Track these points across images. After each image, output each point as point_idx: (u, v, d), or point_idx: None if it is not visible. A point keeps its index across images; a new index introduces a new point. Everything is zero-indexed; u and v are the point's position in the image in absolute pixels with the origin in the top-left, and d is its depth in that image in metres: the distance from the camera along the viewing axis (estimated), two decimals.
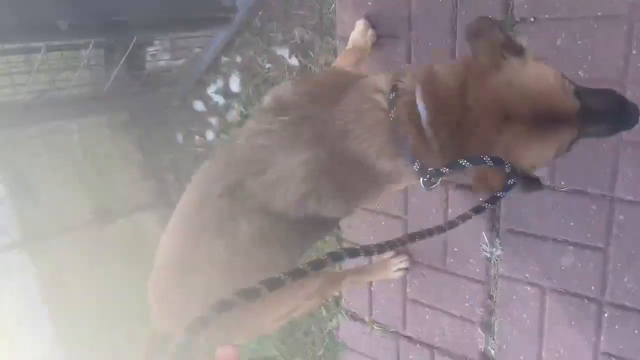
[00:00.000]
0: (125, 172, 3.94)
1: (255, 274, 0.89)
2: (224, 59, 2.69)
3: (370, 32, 1.99)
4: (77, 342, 6.18)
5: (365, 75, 1.41)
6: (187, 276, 1.40)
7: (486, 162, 1.13)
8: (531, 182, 1.20)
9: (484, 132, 1.15)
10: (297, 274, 0.81)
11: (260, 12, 2.40)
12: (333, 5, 2.17)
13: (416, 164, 1.23)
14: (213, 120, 3.00)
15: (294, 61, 2.40)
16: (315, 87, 1.40)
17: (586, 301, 1.82)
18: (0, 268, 5.60)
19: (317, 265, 0.85)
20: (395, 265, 2.17)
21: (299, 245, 1.46)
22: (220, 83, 2.83)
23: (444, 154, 1.22)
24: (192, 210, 1.43)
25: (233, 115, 2.84)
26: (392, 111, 1.24)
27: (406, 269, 2.20)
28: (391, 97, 1.25)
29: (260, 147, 1.32)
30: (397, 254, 2.21)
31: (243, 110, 2.76)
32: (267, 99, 1.40)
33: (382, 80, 1.32)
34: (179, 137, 3.26)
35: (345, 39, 2.10)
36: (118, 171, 4.05)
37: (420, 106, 1.20)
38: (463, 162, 1.15)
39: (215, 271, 1.38)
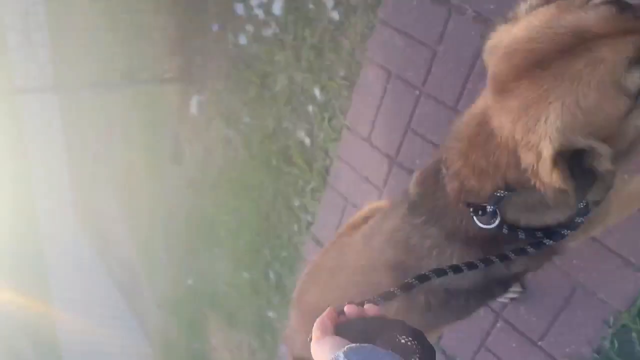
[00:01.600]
0: (155, 44, 4.29)
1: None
2: None
3: None
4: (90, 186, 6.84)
5: None
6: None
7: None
8: None
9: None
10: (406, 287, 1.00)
11: None
12: None
13: None
14: (249, 28, 3.22)
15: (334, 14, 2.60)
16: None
17: None
18: (32, 108, 6.15)
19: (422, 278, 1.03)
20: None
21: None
22: None
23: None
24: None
25: (268, 33, 3.08)
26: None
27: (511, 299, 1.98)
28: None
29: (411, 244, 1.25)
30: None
31: (278, 32, 2.98)
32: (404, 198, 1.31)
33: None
34: (214, 27, 3.55)
35: None
36: (149, 42, 4.39)
37: None
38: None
39: None
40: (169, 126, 4.33)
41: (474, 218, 1.07)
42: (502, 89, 0.89)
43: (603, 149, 0.85)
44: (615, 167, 0.89)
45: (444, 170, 1.13)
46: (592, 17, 0.81)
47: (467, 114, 1.08)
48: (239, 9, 3.23)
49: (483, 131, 0.99)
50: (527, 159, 0.90)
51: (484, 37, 1.01)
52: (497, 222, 1.05)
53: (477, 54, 1.96)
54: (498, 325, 2.13)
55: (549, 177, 0.86)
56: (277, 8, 2.95)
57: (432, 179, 1.18)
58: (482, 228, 1.07)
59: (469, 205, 1.06)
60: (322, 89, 2.78)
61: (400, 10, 2.25)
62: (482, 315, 2.11)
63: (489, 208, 1.04)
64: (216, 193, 3.96)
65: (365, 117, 2.53)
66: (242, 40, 3.29)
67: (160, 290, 5.60)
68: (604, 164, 0.86)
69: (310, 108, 2.89)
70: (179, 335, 5.39)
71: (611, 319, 1.78)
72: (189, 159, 4.18)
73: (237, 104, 3.47)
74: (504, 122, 0.92)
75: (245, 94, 3.37)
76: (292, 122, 3.04)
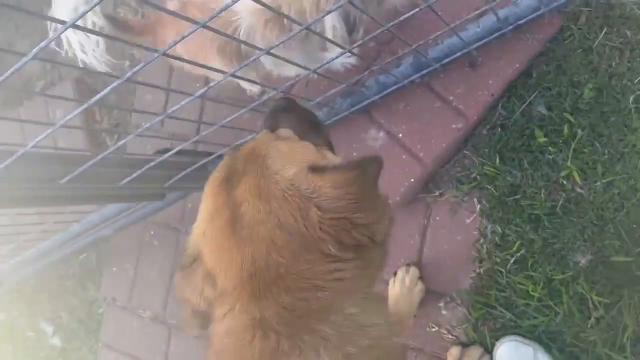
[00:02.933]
0: None
1: None
2: None
3: (419, 285, 1.60)
4: None
5: None
6: None
7: None
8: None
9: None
10: None
11: None
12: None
13: None
14: None
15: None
16: None
17: None
18: None
19: None
20: (414, 285, 1.61)
21: None
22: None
23: None
24: None
25: None
26: None
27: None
28: None
29: None
30: (463, 346, 1.58)
31: None
32: None
33: None
34: None
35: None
36: None
37: None
38: None
39: None
40: None
41: None
42: (232, 225, 0.72)
43: (338, 161, 0.87)
44: None
45: None
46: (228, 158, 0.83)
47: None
48: None
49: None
50: (292, 204, 0.71)
51: None
52: None
53: None
54: None
55: (323, 185, 0.71)
56: None
57: None
58: None
59: None
60: None
61: (123, 332, 2.17)
62: None
63: None
64: None
65: None
66: None
67: None
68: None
69: None
70: None
71: None
72: None
73: None
74: (256, 224, 0.71)
75: None
76: None
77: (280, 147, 0.79)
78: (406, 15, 1.03)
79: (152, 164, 1.40)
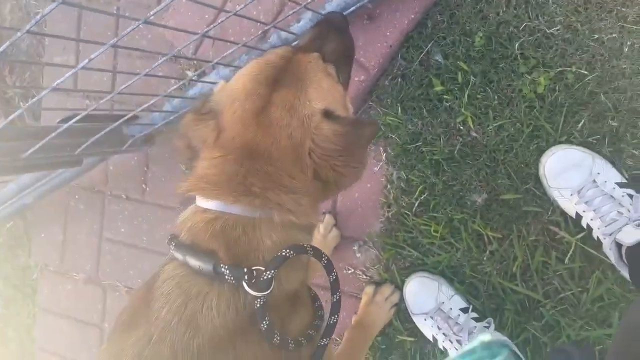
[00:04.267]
0: None
1: None
2: None
3: (334, 232, 1.73)
4: None
5: None
6: None
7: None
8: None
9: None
10: None
11: None
12: None
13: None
14: None
15: None
16: None
17: None
18: None
19: None
20: (388, 302, 1.67)
21: None
22: None
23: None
24: None
25: None
26: None
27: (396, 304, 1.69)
28: None
29: None
30: (377, 285, 1.69)
31: None
32: None
33: None
34: None
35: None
36: None
37: None
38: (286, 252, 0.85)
39: None
40: None
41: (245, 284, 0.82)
42: (258, 113, 0.90)
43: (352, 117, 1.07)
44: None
45: (171, 247, 0.89)
46: (283, 49, 1.02)
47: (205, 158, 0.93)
48: None
49: (247, 150, 0.89)
50: (304, 127, 0.90)
51: None
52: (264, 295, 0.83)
53: None
54: None
55: (325, 127, 0.90)
56: None
57: None
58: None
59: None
60: None
61: (58, 295, 2.21)
62: None
63: (267, 274, 0.82)
64: None
65: None
66: None
67: None
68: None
69: None
70: None
71: None
72: None
73: None
74: (276, 125, 0.89)
75: None
76: None
77: (323, 83, 0.96)
78: None
79: (54, 133, 1.40)
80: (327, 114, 0.92)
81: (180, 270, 0.86)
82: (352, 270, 1.72)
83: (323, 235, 1.70)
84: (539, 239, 1.50)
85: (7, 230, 2.31)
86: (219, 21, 1.22)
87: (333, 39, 1.09)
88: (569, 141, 1.45)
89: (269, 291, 0.82)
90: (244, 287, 0.82)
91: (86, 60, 1.07)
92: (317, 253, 0.92)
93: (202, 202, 0.89)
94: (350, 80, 1.56)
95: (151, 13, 1.01)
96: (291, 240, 0.89)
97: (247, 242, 0.85)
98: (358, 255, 1.72)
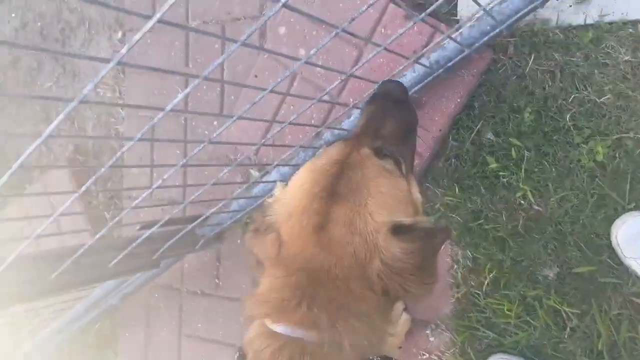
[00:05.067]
0: None
1: None
2: None
3: (404, 316, 1.67)
4: None
5: None
6: None
7: None
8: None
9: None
10: None
11: None
12: None
13: None
14: None
15: None
16: None
17: None
18: None
19: None
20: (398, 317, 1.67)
21: None
22: None
23: None
24: None
25: None
26: None
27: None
28: None
29: None
30: None
31: None
32: None
33: None
34: None
35: None
36: None
37: None
38: None
39: None
40: None
41: None
42: (317, 230, 0.86)
43: (420, 218, 0.93)
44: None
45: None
46: (336, 150, 0.96)
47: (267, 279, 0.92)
48: None
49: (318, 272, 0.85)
50: (369, 245, 0.85)
51: None
52: None
53: None
54: None
55: (394, 247, 0.84)
56: None
57: None
58: None
59: None
60: None
61: None
62: None
63: None
64: None
65: None
66: None
67: None
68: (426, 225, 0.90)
69: None
70: None
71: None
72: None
73: None
74: (337, 243, 0.85)
75: None
76: None
77: (382, 187, 0.90)
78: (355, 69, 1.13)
79: (135, 243, 1.52)
80: (395, 229, 0.84)
81: None
82: (427, 355, 1.69)
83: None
84: (622, 312, 1.42)
85: (95, 332, 2.44)
86: (276, 131, 1.32)
87: (391, 115, 1.01)
88: (638, 207, 1.40)
89: None
90: None
91: (159, 181, 1.19)
92: None
93: (269, 323, 0.87)
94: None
95: (215, 134, 1.12)
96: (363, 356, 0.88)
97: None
98: (431, 339, 1.68)
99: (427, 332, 1.69)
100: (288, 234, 0.89)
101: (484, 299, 1.58)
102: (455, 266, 1.64)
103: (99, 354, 2.46)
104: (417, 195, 0.99)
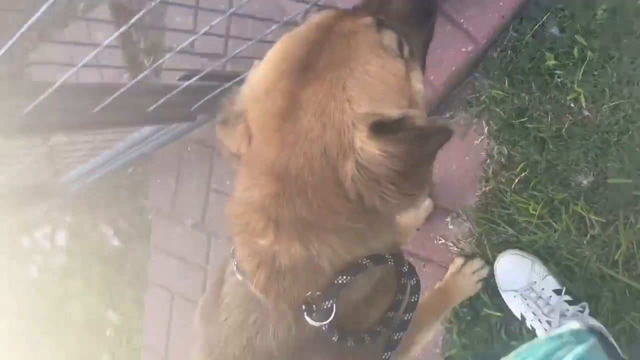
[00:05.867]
0: None
1: None
2: (55, 213, 2.98)
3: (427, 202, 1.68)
4: None
5: None
6: None
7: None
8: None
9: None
10: None
11: None
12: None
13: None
14: (37, 258, 3.18)
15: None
16: None
17: None
18: None
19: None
20: (475, 276, 1.64)
21: None
22: (47, 229, 3.08)
23: None
24: None
25: (57, 262, 3.10)
26: None
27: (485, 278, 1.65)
28: None
29: None
30: (467, 258, 1.67)
31: (65, 261, 3.02)
32: None
33: None
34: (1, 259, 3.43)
35: None
36: None
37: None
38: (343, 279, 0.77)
39: None
40: None
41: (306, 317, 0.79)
42: (283, 119, 0.70)
43: (414, 112, 0.74)
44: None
45: (233, 265, 0.86)
46: (323, 15, 0.77)
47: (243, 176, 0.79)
48: (25, 240, 3.20)
49: (281, 175, 0.71)
50: (342, 142, 0.69)
51: None
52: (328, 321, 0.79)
53: None
54: None
55: (372, 149, 0.67)
56: (61, 238, 2.99)
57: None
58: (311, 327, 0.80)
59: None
60: (116, 311, 2.78)
61: (169, 237, 2.44)
62: None
63: (327, 304, 0.78)
64: None
65: (159, 336, 2.56)
66: (33, 271, 3.22)
67: None
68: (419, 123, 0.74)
69: (108, 331, 2.84)
70: None
71: None
72: None
73: (38, 332, 3.28)
74: (305, 139, 0.69)
75: (43, 321, 3.22)
76: (95, 346, 2.95)
77: (371, 67, 0.71)
78: None
79: (175, 91, 1.53)
80: (376, 126, 0.68)
81: (241, 290, 0.86)
82: (443, 241, 1.74)
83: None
84: None
85: (129, 175, 2.56)
86: None
87: None
88: None
89: (329, 319, 0.78)
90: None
91: (207, 27, 1.16)
92: (398, 261, 0.86)
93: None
94: (455, 50, 1.55)
95: None
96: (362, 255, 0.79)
97: (303, 279, 0.78)
98: (450, 227, 1.73)
99: (447, 219, 1.72)
100: (254, 124, 0.75)
101: (511, 196, 1.59)
102: (489, 161, 1.63)
103: (130, 195, 2.60)
104: (418, 86, 0.78)
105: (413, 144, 0.68)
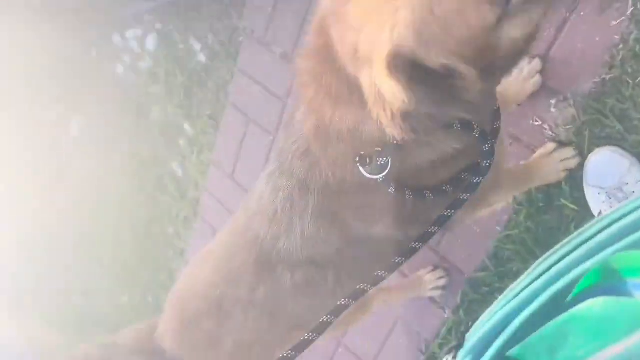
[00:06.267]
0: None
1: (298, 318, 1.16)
2: (148, 17, 2.99)
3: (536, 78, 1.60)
4: None
5: None
6: (222, 317, 1.30)
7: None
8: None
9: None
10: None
11: None
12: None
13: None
14: (126, 58, 3.27)
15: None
16: None
17: None
18: None
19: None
20: (431, 283, 1.86)
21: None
22: (139, 32, 3.12)
23: None
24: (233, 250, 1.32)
25: (143, 66, 3.17)
26: None
27: (444, 287, 1.87)
28: None
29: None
30: (434, 269, 1.89)
31: (152, 66, 3.08)
32: None
33: None
34: (93, 52, 3.55)
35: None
36: None
37: None
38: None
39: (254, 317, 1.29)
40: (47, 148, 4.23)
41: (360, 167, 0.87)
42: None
43: (466, 70, 0.69)
44: (487, 85, 0.74)
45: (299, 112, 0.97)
46: None
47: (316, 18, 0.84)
48: (116, 39, 3.27)
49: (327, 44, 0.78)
50: (362, 73, 0.73)
51: None
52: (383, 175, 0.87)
53: None
54: (339, 350, 2.36)
55: (384, 84, 0.68)
56: (150, 43, 3.04)
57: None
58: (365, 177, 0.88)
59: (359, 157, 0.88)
60: (192, 124, 2.90)
61: (256, 62, 2.43)
62: (326, 342, 2.33)
63: (381, 160, 0.85)
64: (96, 214, 3.95)
65: (229, 156, 2.69)
66: (119, 69, 3.33)
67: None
68: (470, 86, 0.70)
69: (181, 141, 3.00)
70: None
71: (424, 348, 2.05)
72: (69, 180, 4.13)
73: (116, 130, 3.50)
74: (344, 35, 0.73)
75: (123, 120, 3.41)
76: (166, 152, 3.13)
77: (439, 8, 0.64)
78: None
79: None
80: (398, 62, 0.69)
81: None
82: (540, 123, 1.65)
83: (524, 79, 1.61)
84: None
85: None
86: None
87: None
88: None
89: (384, 173, 0.86)
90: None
91: None
92: (484, 136, 0.90)
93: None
94: None
95: None
96: None
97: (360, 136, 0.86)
98: (553, 110, 1.63)
99: (552, 102, 1.62)
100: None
101: (632, 89, 1.46)
102: (621, 46, 1.47)
103: (224, 12, 2.56)
104: (514, 34, 0.71)
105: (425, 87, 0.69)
